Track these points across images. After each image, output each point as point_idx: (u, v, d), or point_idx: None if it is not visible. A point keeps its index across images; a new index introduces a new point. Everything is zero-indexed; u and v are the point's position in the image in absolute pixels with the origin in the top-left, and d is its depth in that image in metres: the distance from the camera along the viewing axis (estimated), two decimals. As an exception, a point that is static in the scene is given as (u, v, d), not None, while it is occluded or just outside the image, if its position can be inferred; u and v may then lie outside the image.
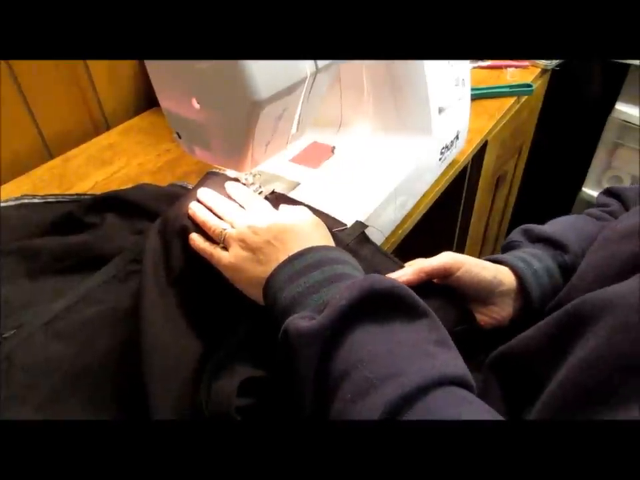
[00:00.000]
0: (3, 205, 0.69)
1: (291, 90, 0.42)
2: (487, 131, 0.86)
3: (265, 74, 0.39)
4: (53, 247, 0.59)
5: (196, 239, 0.48)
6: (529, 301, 0.45)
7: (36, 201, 0.70)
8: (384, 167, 0.61)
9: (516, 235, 0.52)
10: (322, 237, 0.44)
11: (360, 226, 0.50)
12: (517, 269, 0.46)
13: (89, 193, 0.73)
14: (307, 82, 0.43)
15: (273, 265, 0.41)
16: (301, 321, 0.35)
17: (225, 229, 0.46)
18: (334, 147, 0.64)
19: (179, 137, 0.48)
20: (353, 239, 0.49)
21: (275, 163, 0.60)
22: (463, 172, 0.90)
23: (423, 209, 0.69)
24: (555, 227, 0.52)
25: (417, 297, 0.35)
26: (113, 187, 0.75)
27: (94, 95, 0.89)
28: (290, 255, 0.40)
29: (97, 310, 0.53)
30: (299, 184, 0.58)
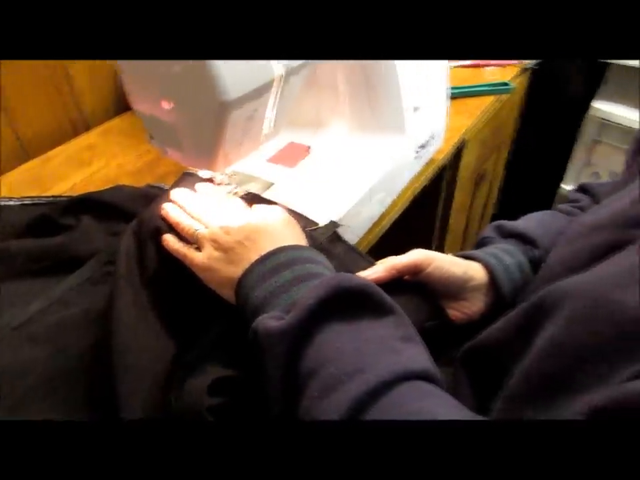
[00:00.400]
0: (-23, 207, 0.68)
1: (260, 91, 0.42)
2: (466, 130, 0.87)
3: (234, 75, 0.39)
4: (29, 248, 0.59)
5: (169, 239, 0.48)
6: (500, 296, 0.46)
7: (12, 203, 0.70)
8: (359, 166, 0.62)
9: (489, 231, 0.53)
10: (294, 236, 0.44)
11: (333, 225, 0.51)
12: (488, 264, 0.47)
13: (66, 194, 0.73)
14: (277, 83, 0.44)
15: (245, 265, 0.41)
16: (270, 320, 0.35)
17: (197, 230, 0.46)
18: (309, 147, 0.64)
19: (152, 138, 0.48)
20: (325, 238, 0.50)
21: (251, 163, 0.61)
22: (442, 170, 0.90)
23: (400, 208, 0.70)
24: (527, 222, 0.53)
25: (384, 294, 0.36)
26: (92, 188, 0.75)
27: (72, 95, 0.88)
28: (261, 254, 0.41)
29: (71, 312, 0.53)
30: (273, 184, 0.58)
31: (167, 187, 0.68)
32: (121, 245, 0.53)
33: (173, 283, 0.50)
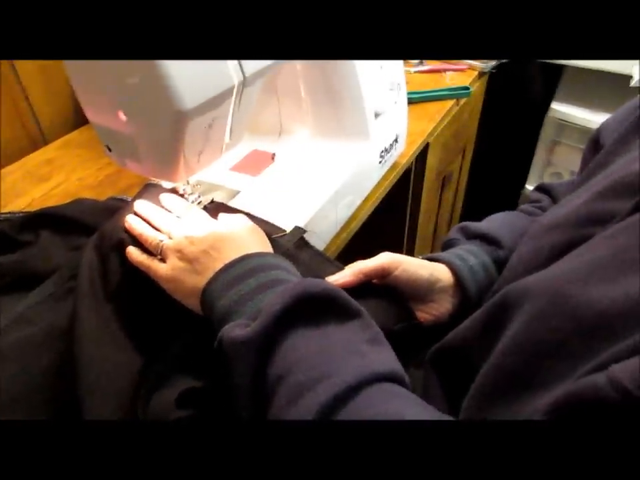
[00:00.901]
0: None
1: (218, 99, 0.42)
2: (428, 133, 0.89)
3: (190, 84, 0.39)
4: (-15, 268, 0.57)
5: (133, 252, 0.47)
6: (467, 296, 0.47)
7: (-33, 220, 0.67)
8: (324, 171, 0.62)
9: (454, 232, 0.54)
10: (258, 244, 0.44)
11: (299, 231, 0.51)
12: (453, 265, 0.47)
13: (24, 210, 0.71)
14: (235, 91, 0.43)
15: (210, 274, 0.41)
16: (235, 329, 0.35)
17: (161, 240, 0.45)
18: (274, 154, 0.64)
19: (109, 150, 0.47)
20: (292, 244, 0.50)
21: (214, 172, 0.60)
22: (407, 174, 0.92)
23: (366, 212, 0.70)
24: (490, 223, 0.54)
25: (349, 298, 0.36)
26: (51, 203, 0.73)
27: (29, 108, 0.86)
28: (226, 262, 0.40)
29: (32, 330, 0.51)
30: (238, 192, 0.58)
31: (129, 199, 0.67)
32: (82, 258, 0.51)
33: (136, 295, 0.49)
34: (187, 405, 0.40)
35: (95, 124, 0.46)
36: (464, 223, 0.54)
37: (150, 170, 0.46)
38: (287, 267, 0.42)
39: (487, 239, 0.51)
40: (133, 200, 0.56)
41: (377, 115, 0.65)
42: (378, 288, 0.48)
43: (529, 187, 1.36)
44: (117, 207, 0.64)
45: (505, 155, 1.43)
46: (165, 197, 0.53)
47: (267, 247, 0.45)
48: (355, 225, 0.68)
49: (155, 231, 0.48)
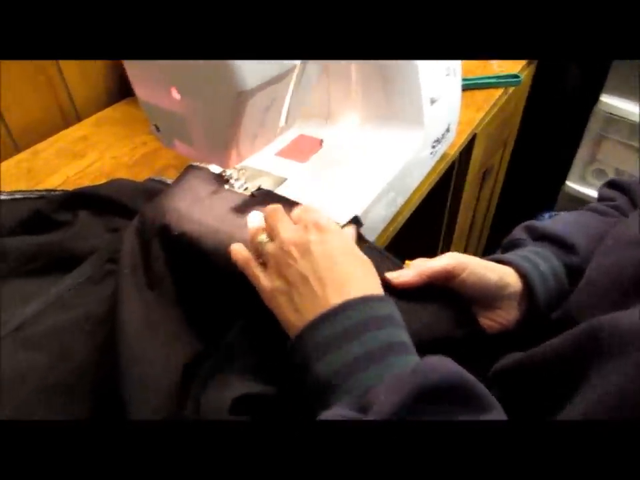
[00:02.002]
0: (-36, 202, 0.64)
1: (279, 79, 0.39)
2: (476, 123, 0.84)
3: (252, 62, 0.36)
4: (21, 247, 0.55)
5: (238, 249, 0.41)
6: (535, 305, 0.43)
7: (2, 197, 0.66)
8: (375, 161, 0.58)
9: (518, 232, 0.50)
10: (364, 275, 0.38)
11: (356, 223, 0.47)
12: (522, 270, 0.43)
13: (59, 188, 0.69)
14: (296, 70, 0.40)
15: (307, 316, 0.35)
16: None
17: (263, 241, 0.40)
18: (322, 140, 0.61)
19: (158, 130, 0.44)
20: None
21: (259, 157, 0.57)
22: (450, 166, 0.88)
23: (413, 205, 0.67)
24: (559, 224, 0.49)
25: (480, 385, 0.30)
26: (86, 182, 0.71)
27: (63, 83, 0.84)
28: (327, 309, 0.35)
29: (70, 316, 0.49)
30: (285, 179, 0.54)
31: (169, 181, 0.65)
32: (123, 243, 0.49)
33: (182, 284, 0.47)
34: (241, 411, 0.37)
35: (144, 101, 0.43)
36: (530, 222, 0.50)
37: (201, 153, 0.43)
38: (396, 315, 0.36)
39: (557, 241, 0.46)
40: (176, 183, 0.53)
41: (432, 102, 0.61)
42: (441, 291, 0.44)
43: (570, 183, 1.31)
44: (156, 189, 0.62)
45: (547, 148, 1.37)
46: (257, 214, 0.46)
47: (371, 274, 0.39)
48: (402, 219, 0.65)
49: (264, 230, 0.42)
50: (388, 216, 0.62)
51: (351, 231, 0.47)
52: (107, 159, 0.76)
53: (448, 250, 1.07)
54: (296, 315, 0.36)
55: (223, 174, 0.52)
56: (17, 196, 0.66)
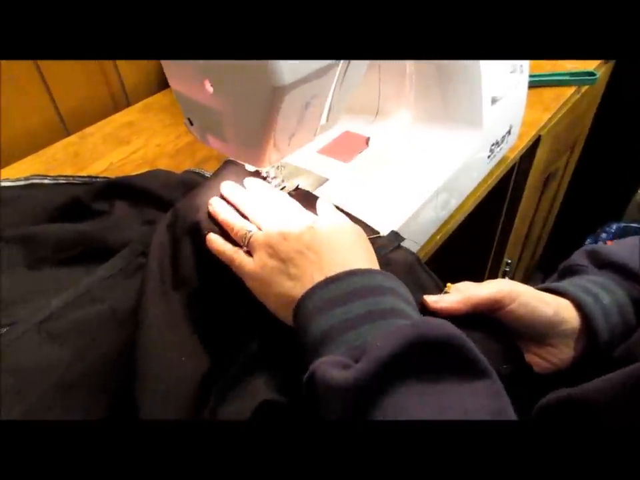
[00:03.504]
0: (11, 184, 0.64)
1: (320, 74, 0.35)
2: (542, 125, 0.77)
3: (291, 54, 0.32)
4: (57, 234, 0.55)
5: (215, 240, 0.42)
6: (595, 344, 0.38)
7: (46, 181, 0.66)
8: (425, 164, 0.53)
9: (580, 257, 0.44)
10: (366, 256, 0.37)
11: (396, 237, 0.43)
12: (582, 304, 0.38)
13: (102, 175, 0.68)
14: (339, 65, 0.36)
15: (306, 283, 0.34)
16: (331, 368, 0.29)
17: (250, 231, 0.40)
18: (368, 138, 0.57)
19: (191, 124, 0.41)
20: (388, 251, 0.43)
21: (300, 153, 0.54)
22: (510, 169, 0.81)
23: (465, 212, 0.62)
24: (627, 250, 0.42)
25: (478, 351, 0.29)
26: (128, 169, 0.70)
27: (114, 68, 0.83)
28: (327, 275, 0.34)
29: (97, 309, 0.48)
30: (327, 180, 0.51)
31: (207, 174, 0.63)
32: (154, 237, 0.47)
33: (208, 287, 0.44)
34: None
35: (178, 93, 0.40)
36: (593, 246, 0.44)
37: (234, 150, 0.40)
38: (405, 293, 0.35)
39: (623, 270, 0.40)
40: (213, 177, 0.51)
41: (493, 101, 0.56)
42: (484, 319, 0.39)
43: (643, 192, 1.20)
44: (194, 181, 0.60)
45: (619, 153, 1.25)
46: (251, 182, 0.47)
47: (373, 260, 0.38)
48: (452, 227, 0.60)
49: (242, 219, 0.42)
50: (437, 224, 0.57)
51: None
52: (151, 147, 0.75)
53: (500, 258, 1.00)
54: (293, 284, 0.35)
55: (260, 171, 0.49)
56: (61, 180, 0.66)
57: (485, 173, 0.63)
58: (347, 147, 0.56)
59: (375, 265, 0.37)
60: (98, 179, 0.66)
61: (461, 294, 0.38)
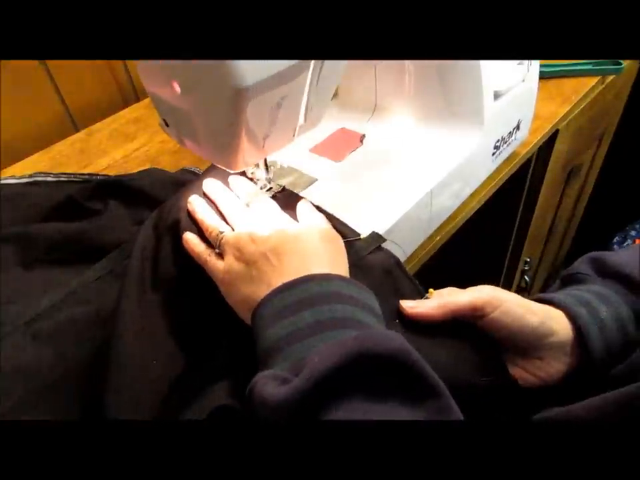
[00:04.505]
0: (15, 182, 0.65)
1: (287, 74, 0.33)
2: (560, 118, 0.73)
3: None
4: (50, 234, 0.55)
5: (191, 240, 0.41)
6: (589, 359, 0.35)
7: (49, 179, 0.66)
8: (420, 162, 0.51)
9: (583, 264, 0.40)
10: (330, 259, 0.35)
11: (376, 239, 0.41)
12: (575, 316, 0.35)
13: (103, 172, 0.68)
14: (312, 65, 0.34)
15: (264, 289, 0.33)
16: (268, 383, 0.27)
17: (222, 232, 0.39)
18: (363, 136, 0.54)
19: (167, 125, 0.40)
20: (366, 254, 0.41)
21: (290, 152, 0.52)
22: (525, 163, 0.77)
23: (467, 214, 0.59)
24: (636, 258, 0.39)
25: (426, 366, 0.27)
26: (130, 166, 0.70)
27: (122, 64, 0.83)
28: (284, 279, 0.33)
29: (82, 311, 0.48)
30: (315, 180, 0.49)
31: (200, 172, 0.62)
32: (138, 237, 0.47)
33: (186, 289, 0.44)
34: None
35: (152, 94, 0.39)
36: (598, 253, 0.40)
37: (208, 153, 0.39)
38: (367, 300, 0.33)
39: (628, 282, 0.37)
40: (202, 176, 0.50)
41: (496, 96, 0.52)
42: (465, 327, 0.37)
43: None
44: (187, 180, 0.59)
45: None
46: (234, 180, 0.46)
47: (343, 264, 0.36)
48: (452, 228, 0.57)
49: (218, 218, 0.41)
50: (436, 220, 0.54)
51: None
52: (155, 143, 0.75)
53: (518, 256, 0.96)
54: (253, 289, 0.34)
55: (246, 171, 0.48)
56: (62, 178, 0.66)
57: (491, 170, 0.60)
58: (340, 145, 0.54)
59: (341, 270, 0.35)
60: (98, 177, 0.66)
61: (440, 299, 0.36)
